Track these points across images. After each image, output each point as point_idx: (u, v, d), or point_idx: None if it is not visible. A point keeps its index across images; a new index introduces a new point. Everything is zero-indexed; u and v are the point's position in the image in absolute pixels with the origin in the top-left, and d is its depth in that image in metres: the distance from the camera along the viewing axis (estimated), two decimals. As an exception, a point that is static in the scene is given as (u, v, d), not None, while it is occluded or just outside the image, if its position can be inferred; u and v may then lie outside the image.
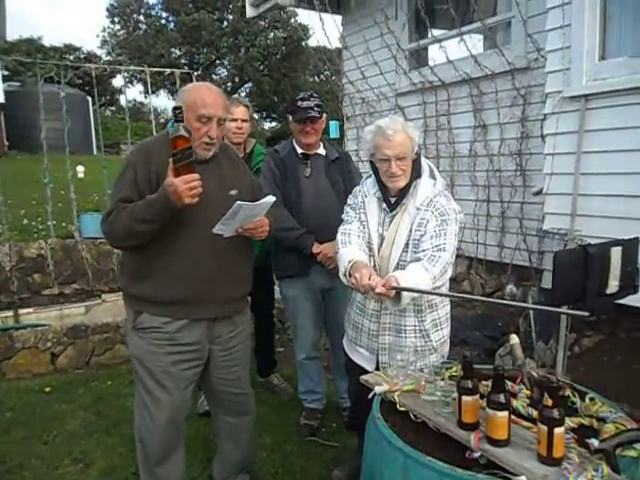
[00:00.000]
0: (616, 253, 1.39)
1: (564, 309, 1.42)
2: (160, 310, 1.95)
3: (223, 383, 2.16)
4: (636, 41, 2.88)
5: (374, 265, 2.12)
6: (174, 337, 1.97)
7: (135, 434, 2.12)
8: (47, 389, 3.56)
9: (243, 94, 28.30)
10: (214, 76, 27.45)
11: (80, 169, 9.88)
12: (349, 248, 2.09)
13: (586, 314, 1.35)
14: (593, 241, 2.93)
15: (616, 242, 1.44)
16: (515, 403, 1.58)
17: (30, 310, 4.52)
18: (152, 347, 1.98)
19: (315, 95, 2.79)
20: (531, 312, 3.38)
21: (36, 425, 3.10)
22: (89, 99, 18.31)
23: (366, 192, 2.21)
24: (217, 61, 27.68)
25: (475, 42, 4.46)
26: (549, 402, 1.30)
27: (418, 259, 1.97)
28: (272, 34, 26.66)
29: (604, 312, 1.33)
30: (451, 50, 4.39)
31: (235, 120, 3.03)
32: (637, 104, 2.74)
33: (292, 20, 25.39)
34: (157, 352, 1.97)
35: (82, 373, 3.87)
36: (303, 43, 24.41)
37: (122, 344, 4.04)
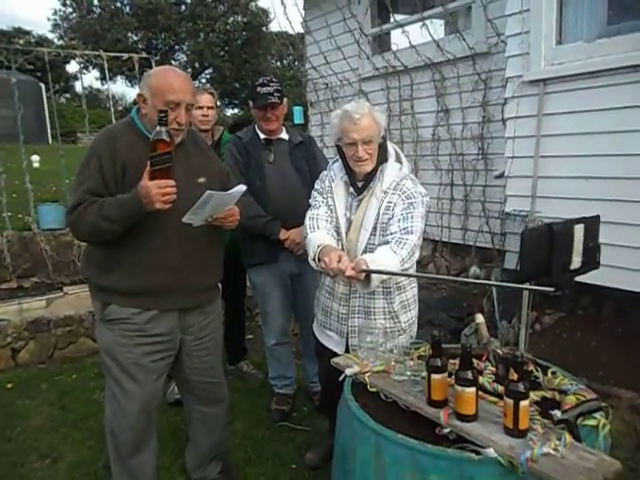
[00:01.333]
0: (579, 230, 1.44)
1: (529, 286, 1.47)
2: (129, 301, 1.91)
3: (196, 372, 2.15)
4: (591, 27, 2.96)
5: (342, 249, 2.13)
6: (144, 328, 1.93)
7: (106, 426, 2.09)
8: (9, 385, 3.46)
9: (204, 80, 27.74)
10: (173, 62, 26.75)
11: (35, 158, 9.52)
12: (317, 233, 2.10)
13: (551, 290, 1.41)
14: (553, 221, 3.05)
15: (579, 220, 1.50)
16: (481, 379, 1.63)
17: (-13, 305, 4.36)
18: (121, 339, 1.94)
19: (274, 80, 2.75)
20: (494, 293, 3.48)
21: (-2, 422, 3.01)
22: (42, 86, 17.60)
23: (333, 176, 2.22)
24: (176, 46, 27.01)
25: (437, 27, 4.50)
26: (514, 376, 1.35)
27: (386, 242, 1.99)
28: (232, 19, 26.15)
29: (568, 287, 1.39)
30: (413, 35, 4.43)
31: (201, 108, 2.99)
32: (591, 88, 2.83)
33: (252, 4, 24.96)
34: (127, 344, 1.94)
35: (45, 368, 3.77)
36: (264, 28, 24.06)
37: (86, 337, 3.96)
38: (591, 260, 1.47)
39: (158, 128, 1.71)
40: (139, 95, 1.90)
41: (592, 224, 1.49)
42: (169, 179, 1.73)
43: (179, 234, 1.90)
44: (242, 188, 1.92)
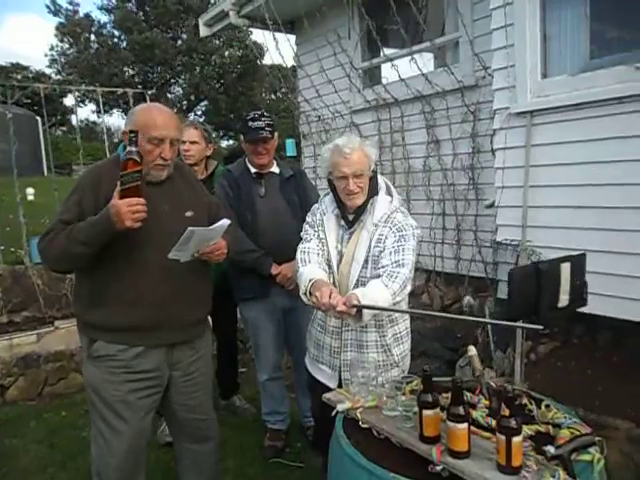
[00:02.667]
0: (565, 269, 1.46)
1: (518, 323, 1.47)
2: (115, 337, 1.89)
3: (184, 409, 2.11)
4: (574, 60, 3.03)
5: (334, 282, 2.13)
6: (131, 365, 1.91)
7: (92, 467, 2.04)
8: (-4, 424, 3.39)
9: (199, 112, 28.15)
10: (169, 94, 27.19)
11: (30, 191, 9.55)
12: (309, 267, 2.10)
13: (540, 327, 1.42)
14: (543, 251, 3.06)
15: (565, 258, 1.52)
16: (475, 414, 1.61)
17: (-23, 341, 4.30)
18: (108, 376, 1.91)
19: (266, 114, 2.79)
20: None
21: (-16, 463, 2.94)
22: (38, 119, 17.79)
23: (324, 210, 2.23)
24: (172, 80, 27.44)
25: (426, 61, 4.59)
26: (506, 412, 1.33)
27: (378, 275, 1.99)
28: (227, 52, 26.67)
29: (556, 325, 1.40)
30: (403, 68, 4.51)
31: (183, 142, 3.00)
32: (577, 119, 2.88)
33: (248, 38, 25.51)
34: (113, 381, 1.91)
35: (34, 405, 3.71)
36: (258, 61, 24.53)
37: (77, 372, 3.90)
38: (578, 297, 1.48)
39: (128, 148, 1.75)
40: (124, 132, 1.93)
41: (578, 262, 1.51)
42: (139, 197, 1.75)
43: (165, 269, 1.89)
44: (225, 222, 1.92)
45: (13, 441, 3.18)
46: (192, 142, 3.04)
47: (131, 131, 1.79)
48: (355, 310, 1.86)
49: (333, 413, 1.76)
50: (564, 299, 1.45)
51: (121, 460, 1.96)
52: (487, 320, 1.73)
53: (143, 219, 1.76)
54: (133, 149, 1.75)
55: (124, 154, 1.76)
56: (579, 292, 1.48)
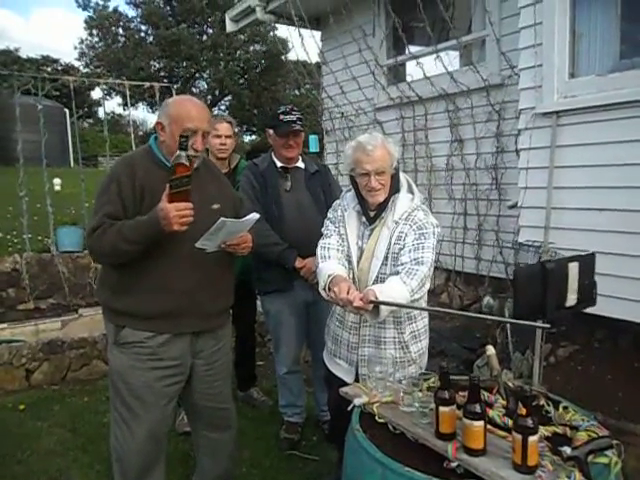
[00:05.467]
0: (573, 268, 1.45)
1: (525, 321, 1.47)
2: (142, 324, 1.94)
3: (205, 398, 2.15)
4: (603, 60, 2.99)
5: (353, 277, 2.15)
6: (157, 352, 1.96)
7: (112, 453, 2.08)
8: (21, 406, 3.48)
9: (223, 107, 28.34)
10: (194, 89, 27.42)
11: (57, 182, 9.76)
12: (328, 262, 2.12)
13: (547, 326, 1.42)
14: (566, 253, 3.03)
15: (573, 258, 1.52)
16: (491, 413, 1.61)
17: (4, 325, 4.43)
18: (135, 362, 1.96)
19: (295, 109, 2.82)
20: (508, 324, 3.44)
21: (10, 444, 3.02)
22: (66, 111, 18.12)
23: (346, 206, 2.25)
24: (197, 74, 27.67)
25: (451, 59, 4.57)
26: (523, 411, 1.33)
27: (397, 272, 2.00)
28: (252, 48, 26.78)
29: (563, 324, 1.40)
30: (428, 66, 4.49)
31: (219, 136, 3.06)
32: (604, 121, 2.83)
33: (271, 34, 25.58)
34: (140, 367, 1.96)
35: (58, 389, 3.80)
36: (283, 57, 24.59)
37: (99, 359, 3.98)
38: (587, 297, 1.48)
39: (178, 152, 1.77)
40: (158, 123, 1.97)
41: (587, 262, 1.50)
42: (187, 202, 1.78)
43: (192, 259, 1.93)
44: (255, 216, 1.95)
45: (37, 424, 3.27)
46: (227, 136, 3.09)
47: (181, 135, 1.81)
48: (372, 306, 1.87)
49: (350, 407, 1.78)
50: (572, 298, 1.45)
51: (143, 445, 2.00)
52: (494, 317, 1.74)
53: (191, 222, 1.80)
54: (182, 153, 1.77)
55: (173, 158, 1.77)
56: (588, 291, 1.48)
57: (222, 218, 1.81)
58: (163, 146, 1.98)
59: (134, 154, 2.08)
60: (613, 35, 2.98)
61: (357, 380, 2.14)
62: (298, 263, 2.73)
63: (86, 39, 26.43)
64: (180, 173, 1.76)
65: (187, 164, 1.76)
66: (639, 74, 2.69)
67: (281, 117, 2.75)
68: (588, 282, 1.48)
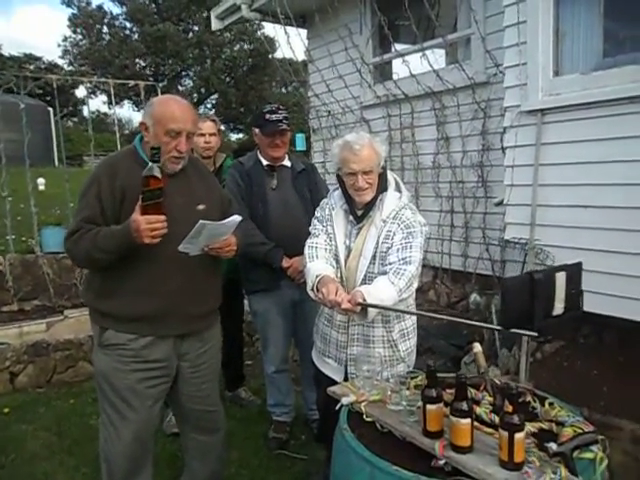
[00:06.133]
0: (560, 278, 1.48)
1: (513, 330, 1.50)
2: (125, 327, 1.92)
3: (192, 400, 2.14)
4: (587, 59, 3.01)
5: (341, 277, 2.15)
6: (140, 354, 1.94)
7: (100, 453, 2.07)
8: (6, 410, 3.44)
9: (209, 105, 28.21)
10: (180, 87, 27.25)
11: (41, 181, 9.64)
12: (316, 262, 2.11)
13: (535, 334, 1.45)
14: (551, 250, 3.06)
15: (560, 267, 1.54)
16: (478, 410, 1.62)
17: (-12, 328, 4.36)
18: (118, 364, 1.94)
19: (282, 108, 2.81)
20: (495, 320, 3.46)
21: (-6, 447, 2.99)
22: (50, 110, 17.89)
23: (333, 205, 2.24)
24: (183, 72, 27.50)
25: (437, 57, 4.58)
26: (509, 408, 1.34)
27: (385, 272, 2.00)
28: (238, 46, 26.67)
29: (551, 333, 1.43)
30: (414, 64, 4.49)
31: (203, 135, 3.04)
32: (588, 118, 2.86)
33: (258, 32, 25.49)
34: (123, 369, 1.94)
35: (43, 392, 3.75)
36: (269, 55, 24.51)
37: (85, 361, 3.94)
38: (574, 305, 1.51)
39: (150, 164, 1.76)
40: (141, 123, 1.95)
41: (574, 271, 1.52)
42: (159, 214, 1.77)
43: (176, 262, 1.91)
44: (237, 219, 1.93)
45: (22, 427, 3.23)
46: (211, 134, 3.08)
47: (152, 148, 1.80)
48: (360, 308, 1.87)
49: (338, 406, 1.78)
50: (559, 307, 1.47)
51: (129, 447, 1.99)
52: (486, 325, 1.76)
53: (163, 234, 1.80)
54: (154, 166, 1.76)
55: (145, 170, 1.76)
56: (574, 300, 1.51)
57: (201, 221, 1.80)
58: (147, 147, 1.96)
59: (117, 155, 2.05)
60: (596, 33, 3.00)
61: (346, 379, 2.13)
62: (285, 263, 2.72)
63: (70, 37, 26.18)
64: (152, 185, 1.74)
65: (159, 176, 1.75)
66: (622, 72, 2.72)
67: (267, 116, 2.74)
68: (575, 291, 1.50)
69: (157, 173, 1.75)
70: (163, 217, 1.78)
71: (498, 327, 1.52)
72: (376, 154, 2.09)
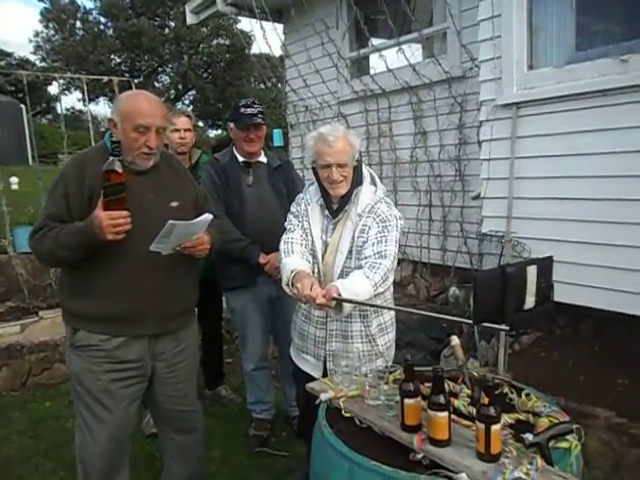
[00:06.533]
0: (532, 272, 1.48)
1: (486, 324, 1.50)
2: (97, 327, 1.88)
3: (168, 400, 2.10)
4: (560, 53, 3.04)
5: (318, 272, 2.13)
6: (113, 355, 1.90)
7: (76, 454, 2.03)
8: (-21, 414, 3.36)
9: (187, 102, 27.89)
10: (156, 83, 26.89)
11: (14, 180, 9.41)
12: (292, 257, 2.10)
13: (506, 329, 1.45)
14: (528, 242, 3.09)
15: (531, 261, 1.54)
16: (456, 403, 1.63)
17: (-41, 331, 4.25)
18: (90, 365, 1.90)
19: (257, 102, 2.79)
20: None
21: (-33, 453, 2.91)
22: (23, 107, 17.48)
23: (309, 199, 2.22)
24: (159, 68, 27.12)
25: (414, 51, 4.59)
26: (485, 400, 1.35)
27: (360, 267, 1.99)
28: (215, 41, 26.39)
29: (522, 327, 1.42)
30: (391, 59, 4.49)
31: (178, 130, 3.01)
32: (562, 112, 2.89)
33: (235, 27, 25.24)
34: (95, 370, 1.90)
35: (18, 395, 3.68)
36: (246, 51, 24.32)
37: (61, 363, 3.87)
38: (545, 298, 1.51)
39: (111, 159, 1.72)
40: (110, 120, 1.90)
41: (545, 265, 1.52)
42: (122, 210, 1.73)
43: (149, 260, 1.87)
44: (208, 217, 1.90)
45: (-4, 431, 3.16)
46: (186, 130, 3.05)
47: (113, 141, 1.76)
48: (334, 303, 1.86)
49: (316, 402, 1.77)
50: (530, 301, 1.47)
51: (105, 449, 1.95)
52: (461, 320, 1.76)
53: (127, 230, 1.75)
54: (115, 160, 1.72)
55: (105, 164, 1.72)
56: (545, 293, 1.51)
57: (170, 221, 1.76)
58: None
59: (87, 152, 2.01)
60: (569, 27, 3.03)
61: (325, 375, 2.13)
62: (262, 259, 2.70)
63: (42, 32, 25.57)
64: (113, 180, 1.71)
65: (120, 171, 1.71)
66: (594, 65, 2.75)
67: (242, 110, 2.71)
68: (545, 284, 1.50)
69: (118, 167, 1.71)
70: (126, 213, 1.74)
71: (469, 321, 1.51)
72: (351, 146, 2.07)
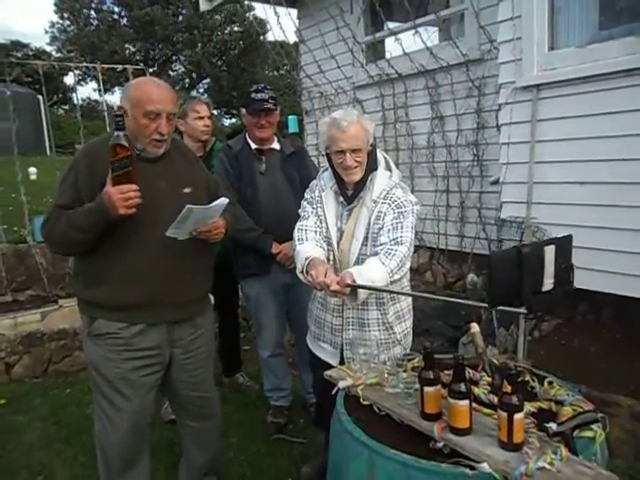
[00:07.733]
0: (550, 252, 1.41)
1: (502, 307, 1.44)
2: (115, 315, 1.88)
3: (186, 387, 2.11)
4: (582, 32, 2.95)
5: (334, 259, 2.11)
6: (131, 342, 1.90)
7: (95, 443, 2.05)
8: (2, 401, 3.42)
9: (201, 90, 27.87)
10: (171, 72, 26.91)
11: (32, 170, 9.52)
12: (306, 245, 2.07)
13: (524, 311, 1.39)
14: (549, 228, 3.03)
15: (550, 241, 1.48)
16: (477, 391, 1.60)
17: (-19, 319, 4.32)
18: (109, 354, 1.90)
19: (269, 87, 2.75)
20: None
21: (-10, 439, 2.97)
22: (40, 98, 17.62)
23: (323, 186, 2.19)
24: (173, 57, 27.10)
25: (430, 34, 4.50)
26: (508, 389, 1.32)
27: (376, 253, 1.96)
28: (229, 29, 26.27)
29: (540, 309, 1.37)
30: (407, 42, 4.42)
31: (202, 118, 3.01)
32: (584, 93, 2.81)
33: (248, 14, 25.09)
34: (114, 358, 1.90)
35: (40, 382, 3.74)
36: (261, 37, 24.16)
37: (81, 350, 3.90)
38: (564, 280, 1.44)
39: (115, 133, 1.70)
40: (119, 107, 1.89)
41: (564, 244, 1.45)
42: (131, 184, 1.72)
43: (164, 247, 1.86)
44: (224, 201, 1.89)
45: (19, 418, 3.21)
46: (208, 117, 3.07)
47: (116, 115, 1.74)
48: (349, 290, 1.84)
49: (334, 390, 1.76)
50: (548, 283, 1.41)
51: (125, 437, 1.96)
52: (474, 303, 1.71)
53: (138, 203, 1.74)
54: (120, 133, 1.70)
55: (111, 139, 1.71)
56: (565, 275, 1.44)
57: (188, 205, 1.75)
58: (127, 131, 1.90)
59: (98, 140, 1.99)
60: (592, 5, 2.94)
61: (342, 363, 2.11)
62: (275, 249, 2.69)
63: (57, 22, 25.71)
64: (120, 154, 1.69)
65: (126, 145, 1.70)
66: (619, 44, 2.66)
67: (253, 95, 2.69)
68: (565, 265, 1.43)
69: (124, 141, 1.69)
70: (135, 186, 1.72)
71: (485, 305, 1.45)
72: (364, 131, 2.03)
